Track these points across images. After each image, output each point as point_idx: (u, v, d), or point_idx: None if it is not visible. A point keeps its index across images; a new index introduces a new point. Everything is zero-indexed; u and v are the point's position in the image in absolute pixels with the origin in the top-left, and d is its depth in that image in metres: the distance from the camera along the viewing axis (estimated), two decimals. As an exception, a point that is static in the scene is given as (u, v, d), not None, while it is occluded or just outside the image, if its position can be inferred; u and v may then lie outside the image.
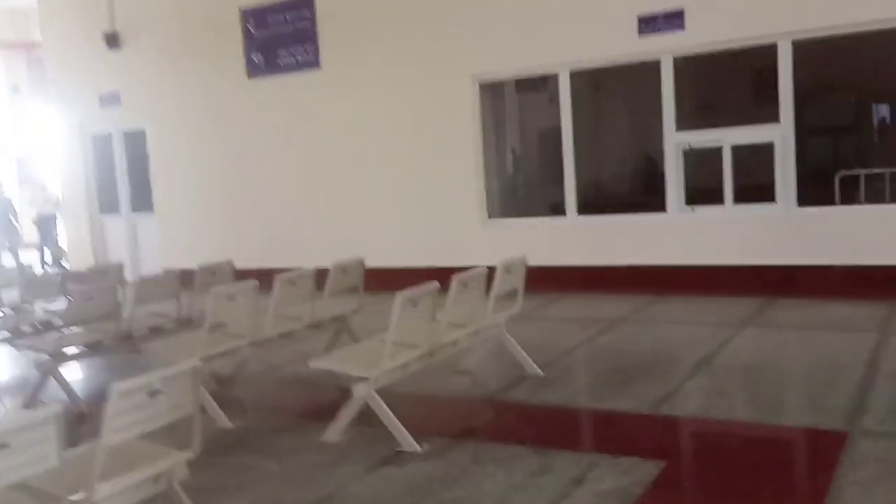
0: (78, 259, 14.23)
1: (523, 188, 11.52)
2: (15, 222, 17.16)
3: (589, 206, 9.65)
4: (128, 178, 13.48)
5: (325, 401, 5.26)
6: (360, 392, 4.55)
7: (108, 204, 13.78)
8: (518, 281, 5.73)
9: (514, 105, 11.19)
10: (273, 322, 5.76)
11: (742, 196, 8.46)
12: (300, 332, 6.15)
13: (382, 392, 4.60)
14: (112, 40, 12.83)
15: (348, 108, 10.63)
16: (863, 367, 5.37)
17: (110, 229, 13.82)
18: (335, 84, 10.71)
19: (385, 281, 10.99)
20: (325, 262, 10.58)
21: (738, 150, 8.35)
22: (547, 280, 9.21)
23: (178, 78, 12.19)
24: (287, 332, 5.99)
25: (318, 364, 4.76)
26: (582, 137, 9.98)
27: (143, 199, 13.24)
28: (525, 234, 9.62)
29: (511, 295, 5.70)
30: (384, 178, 10.46)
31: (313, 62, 10.83)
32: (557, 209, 9.60)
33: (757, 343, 6.34)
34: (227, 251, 12.27)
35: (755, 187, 8.74)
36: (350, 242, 10.77)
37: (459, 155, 9.88)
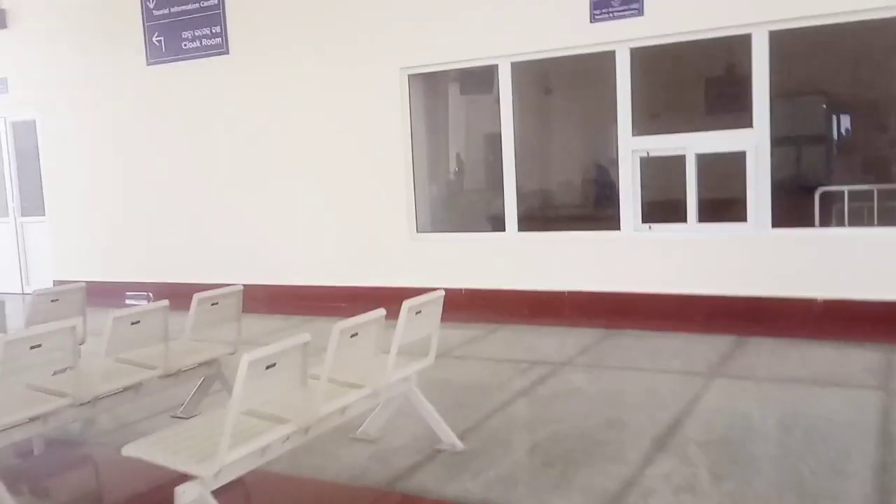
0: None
1: (465, 199, 10.21)
2: None
3: (533, 220, 8.39)
4: (16, 177, 11.85)
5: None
6: (188, 498, 3.16)
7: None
8: (432, 324, 4.39)
9: (460, 107, 9.87)
10: (105, 372, 4.34)
11: (707, 213, 7.27)
12: (152, 383, 4.73)
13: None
14: (-2, 18, 11.22)
15: (259, 101, 9.21)
16: (874, 445, 4.15)
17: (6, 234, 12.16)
18: (244, 73, 9.28)
19: (297, 301, 9.87)
20: (230, 276, 9.21)
21: (703, 160, 7.16)
22: (481, 306, 7.93)
23: (72, 62, 10.63)
24: (130, 385, 4.56)
25: (134, 451, 3.35)
26: (528, 142, 8.73)
27: (34, 201, 11.63)
28: (458, 252, 8.32)
29: (424, 341, 4.37)
30: (300, 181, 9.06)
31: (220, 46, 9.37)
32: (497, 224, 8.31)
33: (733, 403, 5.08)
34: (127, 263, 10.90)
35: (721, 202, 7.57)
36: (259, 254, 9.35)
37: (386, 159, 8.53)
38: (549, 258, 7.85)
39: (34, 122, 11.25)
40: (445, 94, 9.43)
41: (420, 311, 4.17)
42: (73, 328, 4.07)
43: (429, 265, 8.39)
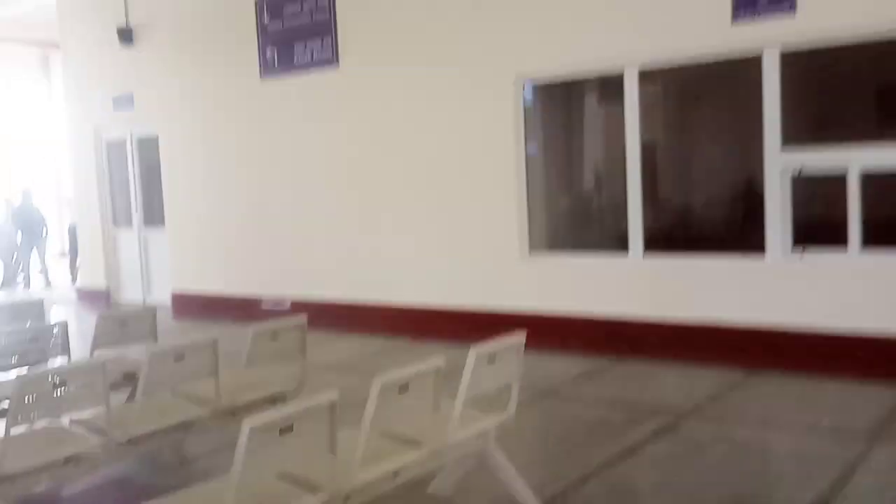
0: (92, 276, 12.83)
1: (595, 216, 9.30)
2: (43, 235, 16.01)
3: (663, 241, 7.42)
4: (140, 189, 11.99)
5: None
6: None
7: (124, 216, 12.36)
8: (511, 373, 3.62)
9: (593, 116, 8.97)
10: (143, 411, 3.85)
11: (872, 237, 6.10)
12: (203, 422, 4.22)
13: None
14: (125, 36, 11.36)
15: (368, 115, 8.73)
16: None
17: (123, 244, 12.35)
18: (354, 85, 8.83)
19: (399, 322, 9.04)
20: (337, 293, 8.71)
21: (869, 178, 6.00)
22: (598, 336, 7.05)
23: (191, 79, 10.57)
24: (176, 423, 4.06)
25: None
26: (660, 154, 7.79)
27: (156, 212, 11.73)
28: (575, 275, 7.47)
29: (503, 392, 3.62)
30: (407, 196, 8.49)
31: (331, 59, 8.98)
32: (623, 244, 7.40)
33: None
34: (236, 276, 10.74)
35: (886, 225, 6.35)
36: (366, 271, 8.87)
37: (498, 172, 7.82)
38: (678, 285, 6.87)
39: (157, 137, 11.32)
40: (574, 103, 8.61)
41: (495, 359, 3.41)
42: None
43: (542, 288, 7.60)
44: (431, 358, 3.18)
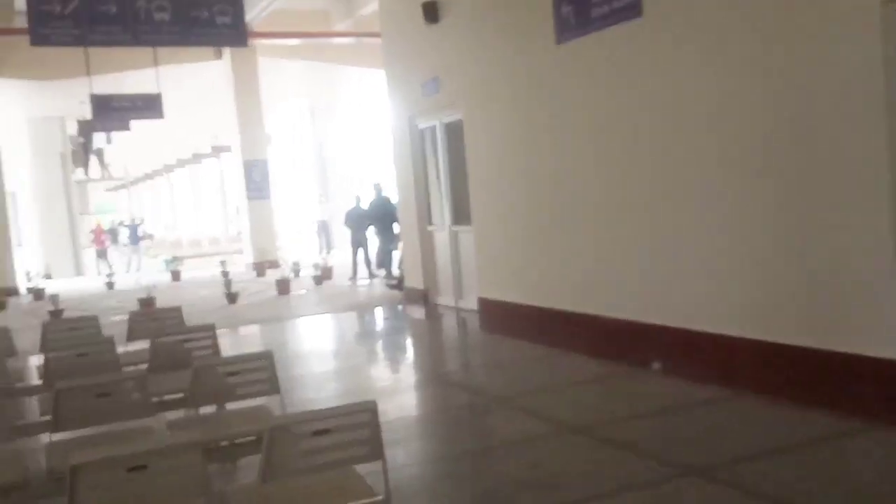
0: (412, 276, 12.19)
1: None
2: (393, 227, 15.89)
3: None
4: (449, 182, 10.93)
5: None
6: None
7: (438, 213, 11.45)
8: None
9: None
10: None
11: None
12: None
13: None
14: (430, 11, 10.30)
15: (681, 73, 6.44)
16: None
17: (439, 244, 11.43)
18: (660, 39, 6.60)
19: (699, 354, 6.55)
20: (631, 311, 6.75)
21: None
22: None
23: (491, 53, 9.12)
24: None
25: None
26: None
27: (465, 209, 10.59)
28: None
29: None
30: (734, 184, 6.05)
31: (633, 8, 6.83)
32: None
33: None
34: (536, 284, 9.03)
35: None
36: (669, 286, 6.67)
37: (865, 158, 5.09)
38: None
39: (460, 122, 10.10)
40: None
41: None
42: None
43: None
44: None
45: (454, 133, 10.45)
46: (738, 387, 5.87)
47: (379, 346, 10.04)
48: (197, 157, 35.54)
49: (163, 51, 18.77)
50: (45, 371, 4.80)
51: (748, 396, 5.67)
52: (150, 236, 29.79)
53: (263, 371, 4.26)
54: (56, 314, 12.63)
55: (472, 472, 4.93)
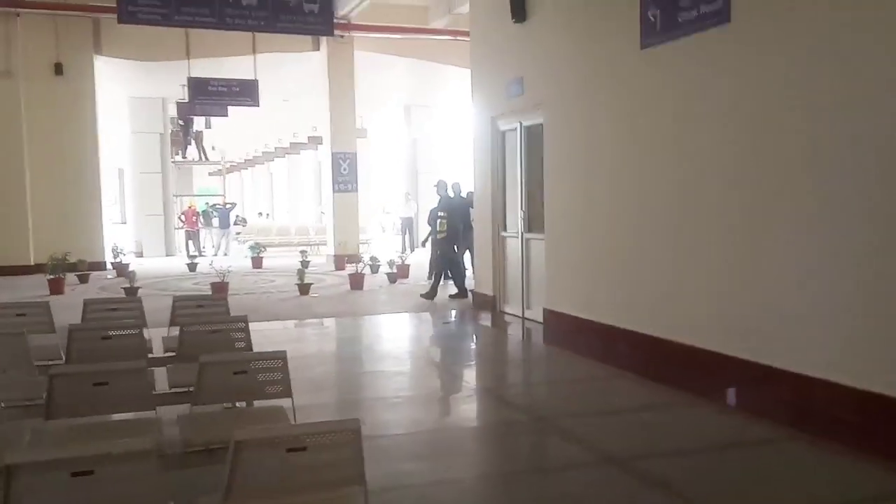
0: (482, 281, 11.86)
1: None
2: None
3: None
4: (525, 187, 10.54)
5: None
6: None
7: (512, 219, 11.07)
8: None
9: None
10: None
11: None
12: None
13: None
14: (518, 8, 9.94)
15: (769, 82, 5.90)
16: None
17: (511, 252, 11.05)
18: (749, 46, 6.06)
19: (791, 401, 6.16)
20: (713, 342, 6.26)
21: None
22: None
23: (574, 55, 8.71)
24: None
25: None
26: None
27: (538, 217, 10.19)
28: None
29: None
30: (833, 205, 5.48)
31: (720, 13, 6.31)
32: None
33: None
34: (603, 298, 8.56)
35: None
36: (749, 315, 6.14)
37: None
38: None
39: (542, 126, 9.70)
40: None
41: None
42: None
43: None
44: None
45: (535, 137, 10.06)
46: (811, 431, 5.31)
47: (432, 352, 9.71)
48: (295, 147, 36.14)
49: (261, 39, 19.08)
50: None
51: (821, 443, 5.12)
52: (244, 221, 30.37)
53: (276, 372, 4.04)
54: (131, 291, 12.86)
55: (486, 497, 4.59)
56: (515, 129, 10.62)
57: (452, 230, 13.23)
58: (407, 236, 23.68)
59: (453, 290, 13.09)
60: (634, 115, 7.57)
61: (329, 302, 12.96)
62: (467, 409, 6.86)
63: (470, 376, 8.22)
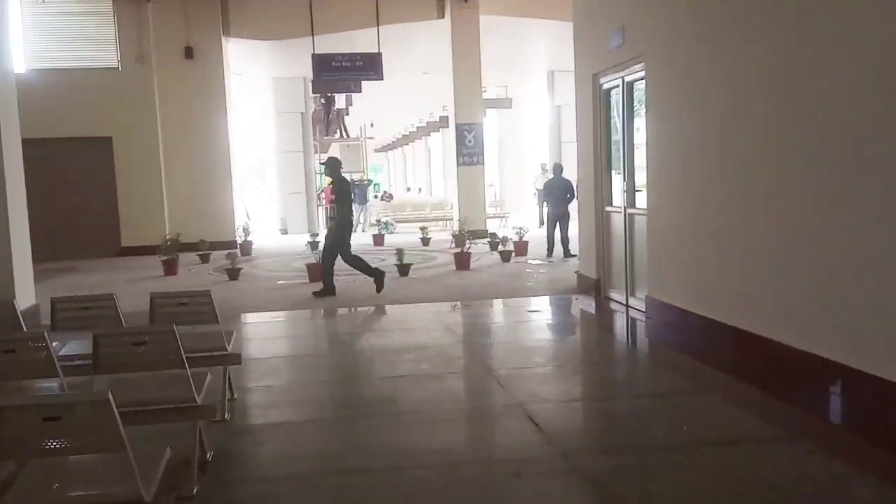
0: (586, 263, 10.50)
1: None
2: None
3: None
4: (627, 154, 9.08)
5: None
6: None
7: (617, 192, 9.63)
8: None
9: None
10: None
11: None
12: None
13: None
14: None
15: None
16: None
17: (615, 229, 9.60)
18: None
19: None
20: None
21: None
22: None
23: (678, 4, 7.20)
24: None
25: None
26: None
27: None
28: None
29: None
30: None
31: None
32: None
33: None
34: (712, 287, 6.93)
35: None
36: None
37: None
38: None
39: (642, 80, 8.22)
40: None
41: None
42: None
43: None
44: None
45: (639, 95, 8.60)
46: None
47: (500, 347, 8.01)
48: (444, 121, 35.45)
49: (384, 10, 18.35)
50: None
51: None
52: (389, 197, 30.10)
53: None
54: (233, 273, 12.55)
55: None
56: (618, 86, 9.15)
57: (343, 218, 11.15)
58: (544, 208, 22.46)
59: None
60: (758, 64, 6.00)
61: (423, 284, 12.01)
62: (480, 428, 5.51)
63: (523, 382, 6.72)
